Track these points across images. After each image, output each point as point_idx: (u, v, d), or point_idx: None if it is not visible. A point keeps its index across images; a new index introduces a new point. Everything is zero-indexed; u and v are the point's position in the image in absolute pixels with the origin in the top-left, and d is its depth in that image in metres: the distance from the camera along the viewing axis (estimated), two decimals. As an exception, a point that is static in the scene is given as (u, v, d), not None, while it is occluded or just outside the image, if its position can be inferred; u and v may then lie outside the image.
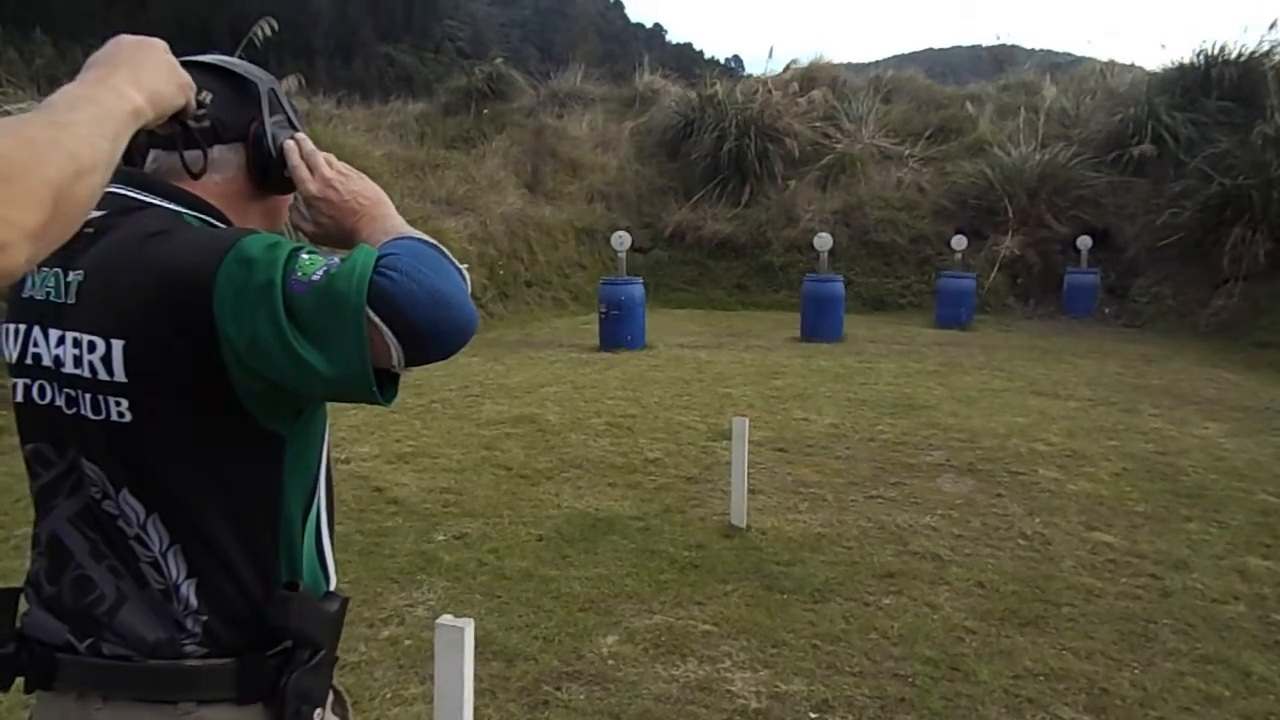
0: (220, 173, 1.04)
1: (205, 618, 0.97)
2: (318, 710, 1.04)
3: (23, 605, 1.03)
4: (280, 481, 0.99)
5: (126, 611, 0.97)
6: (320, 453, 1.06)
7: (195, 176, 1.01)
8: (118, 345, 0.90)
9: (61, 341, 0.94)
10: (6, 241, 0.64)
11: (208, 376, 0.90)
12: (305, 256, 0.89)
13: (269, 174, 1.06)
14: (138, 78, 0.85)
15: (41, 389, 0.97)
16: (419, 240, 0.96)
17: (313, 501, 1.05)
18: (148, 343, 0.90)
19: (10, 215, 0.65)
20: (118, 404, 0.92)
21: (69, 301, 0.93)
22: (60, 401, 0.95)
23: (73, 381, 0.93)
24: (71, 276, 0.94)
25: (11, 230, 0.65)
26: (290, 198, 1.12)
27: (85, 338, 0.92)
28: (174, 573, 0.96)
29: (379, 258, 0.89)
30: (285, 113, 1.09)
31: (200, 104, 0.99)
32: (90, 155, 0.73)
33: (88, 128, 0.74)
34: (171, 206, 0.99)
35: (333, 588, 1.11)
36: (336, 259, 0.90)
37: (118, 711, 0.96)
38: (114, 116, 0.79)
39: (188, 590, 0.96)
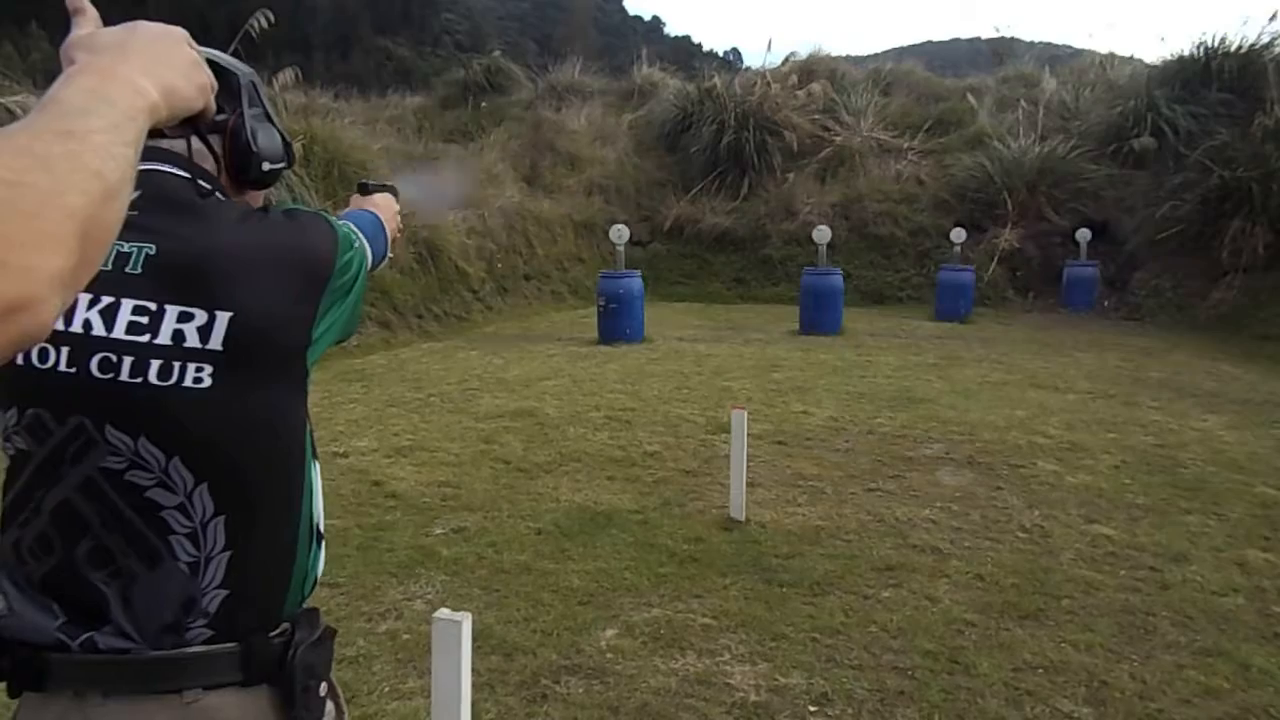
0: (205, 162, 1.04)
1: (226, 593, 0.97)
2: (323, 685, 1.05)
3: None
4: (305, 432, 1.06)
5: (140, 588, 0.95)
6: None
7: (202, 197, 1.02)
8: (223, 316, 0.93)
9: (107, 308, 0.93)
10: (32, 297, 0.51)
11: (295, 347, 0.99)
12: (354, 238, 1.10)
13: (248, 167, 1.06)
14: (154, 69, 0.73)
15: (44, 353, 0.94)
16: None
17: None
18: (259, 315, 0.94)
19: (32, 261, 0.51)
20: (199, 370, 0.93)
21: (130, 271, 0.94)
22: (74, 366, 0.93)
23: (123, 347, 0.93)
24: (128, 248, 0.94)
25: (36, 281, 0.51)
26: (262, 195, 1.13)
27: (173, 308, 0.93)
28: (211, 544, 0.97)
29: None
30: (262, 105, 1.09)
31: (220, 109, 0.99)
32: (117, 171, 0.61)
33: (108, 135, 0.62)
34: (200, 183, 1.01)
35: (323, 549, 1.15)
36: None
37: (120, 706, 0.95)
38: (131, 118, 0.67)
39: (219, 564, 0.97)
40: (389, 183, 1.65)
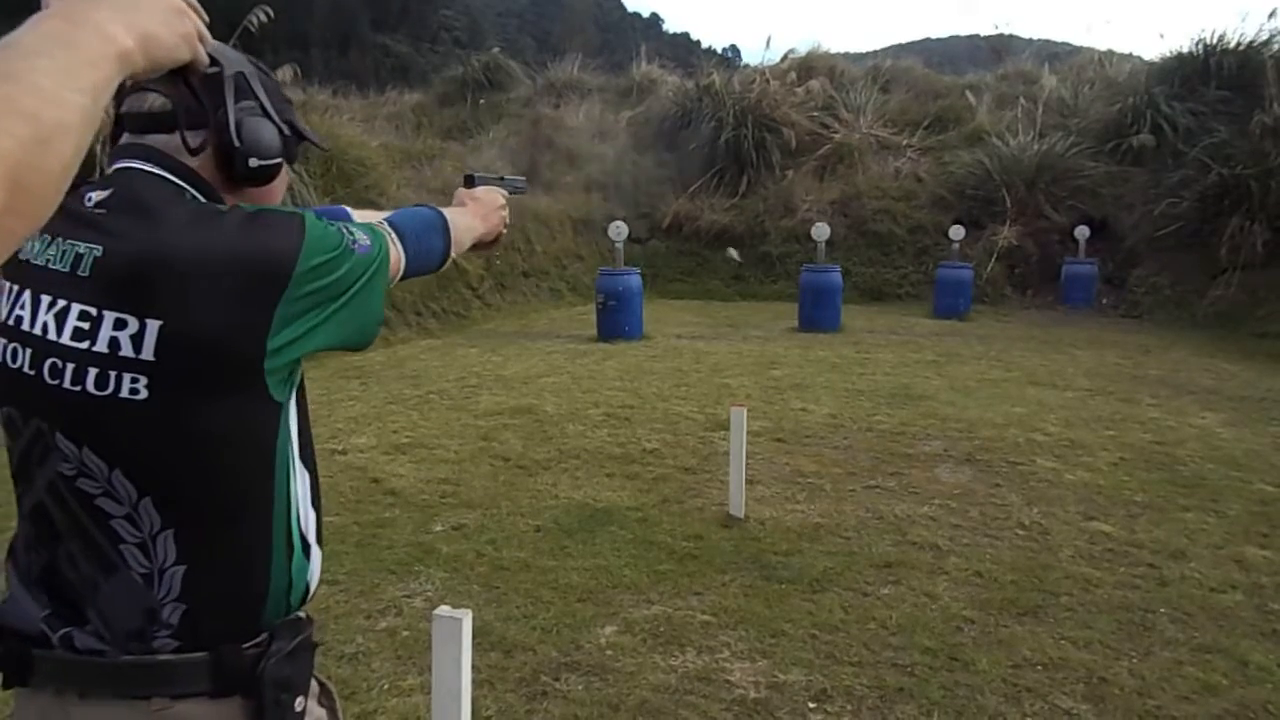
0: (191, 159, 0.99)
1: (185, 606, 0.95)
2: (299, 699, 1.02)
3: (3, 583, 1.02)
4: (278, 443, 0.99)
5: (104, 594, 0.95)
6: (296, 417, 1.05)
7: (193, 152, 0.97)
8: (153, 325, 0.88)
9: (60, 312, 0.91)
10: None
11: (244, 358, 0.92)
12: (355, 229, 1.02)
13: (233, 165, 1.00)
14: (129, 15, 0.71)
15: (14, 352, 0.94)
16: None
17: (291, 467, 1.03)
18: (193, 324, 0.88)
19: None
20: (134, 380, 0.89)
21: (80, 274, 0.90)
22: (34, 369, 0.92)
23: (67, 353, 0.90)
24: (83, 249, 0.91)
25: None
26: (272, 188, 1.07)
27: (110, 314, 0.88)
28: (162, 557, 0.94)
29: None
30: (257, 99, 1.03)
31: (213, 60, 0.94)
32: (56, 115, 0.59)
33: (54, 78, 0.60)
34: (177, 182, 0.97)
35: (314, 554, 1.08)
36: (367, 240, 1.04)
37: (95, 709, 0.95)
38: (93, 63, 0.65)
39: (172, 577, 0.94)
40: (517, 176, 1.56)
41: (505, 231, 1.47)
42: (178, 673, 0.95)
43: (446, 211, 1.29)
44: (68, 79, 0.61)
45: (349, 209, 1.43)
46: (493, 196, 1.44)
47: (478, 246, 1.42)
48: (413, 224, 1.19)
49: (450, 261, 1.27)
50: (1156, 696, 2.66)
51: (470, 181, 1.45)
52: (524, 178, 1.66)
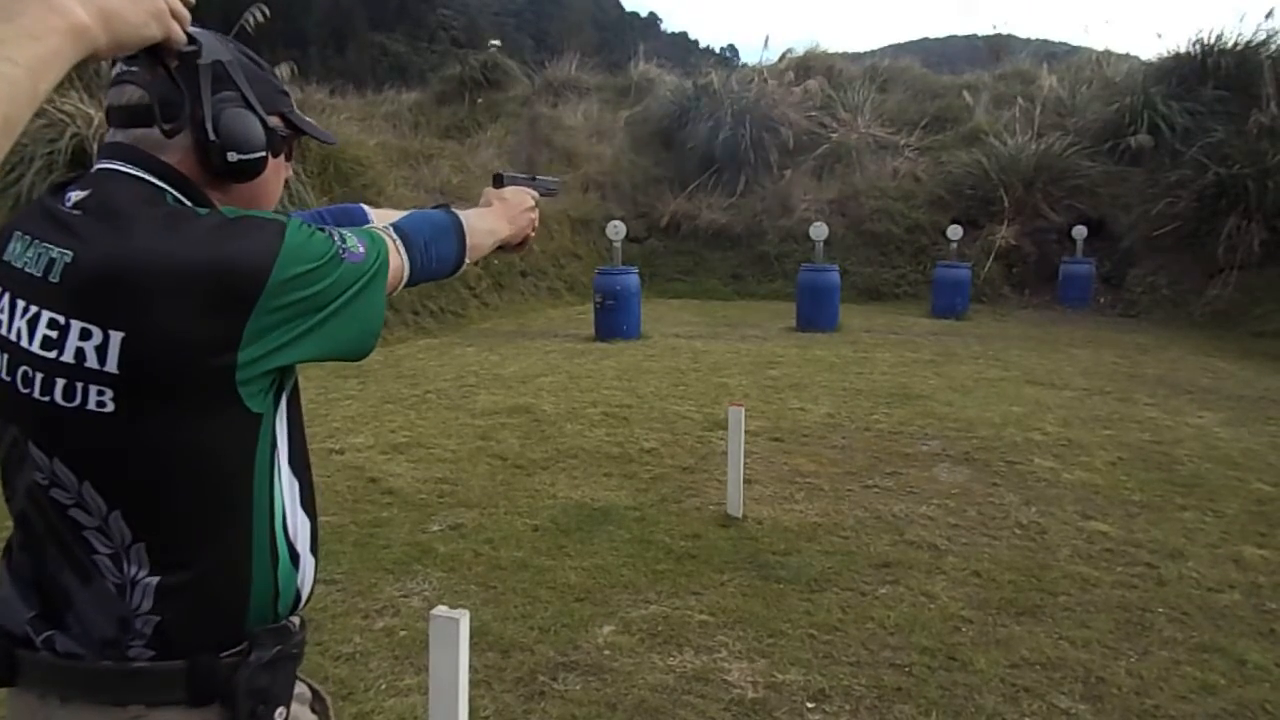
0: (171, 155, 0.95)
1: (158, 618, 0.93)
2: (279, 710, 0.99)
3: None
4: (253, 465, 0.96)
5: (80, 601, 0.94)
6: (283, 425, 1.01)
7: (168, 135, 0.93)
8: (116, 336, 0.85)
9: (32, 318, 0.88)
10: None
11: (213, 372, 0.88)
12: (349, 236, 0.99)
13: (211, 160, 0.95)
14: None
15: None
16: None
17: (274, 474, 1.00)
18: (155, 337, 0.85)
19: None
20: (100, 393, 0.86)
21: (51, 280, 0.87)
22: (10, 376, 0.90)
23: (37, 361, 0.87)
24: (56, 254, 0.88)
25: None
26: (261, 184, 1.02)
27: (76, 324, 0.85)
28: (134, 569, 0.93)
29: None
30: (237, 89, 0.98)
31: (191, 39, 0.90)
32: None
33: None
34: (156, 182, 0.94)
35: (305, 561, 1.05)
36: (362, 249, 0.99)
37: (74, 713, 0.94)
38: (34, 36, 0.63)
39: (144, 589, 0.93)
40: (550, 176, 1.52)
41: (534, 234, 1.41)
42: (153, 681, 0.94)
43: (463, 214, 1.23)
44: None
45: (366, 208, 1.39)
46: (521, 197, 1.39)
47: (503, 249, 1.36)
48: (422, 229, 1.13)
49: (466, 265, 1.22)
50: (1154, 696, 2.66)
51: (499, 181, 1.39)
52: (558, 178, 1.61)
